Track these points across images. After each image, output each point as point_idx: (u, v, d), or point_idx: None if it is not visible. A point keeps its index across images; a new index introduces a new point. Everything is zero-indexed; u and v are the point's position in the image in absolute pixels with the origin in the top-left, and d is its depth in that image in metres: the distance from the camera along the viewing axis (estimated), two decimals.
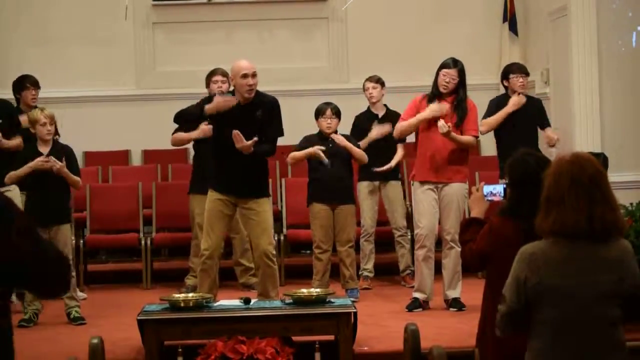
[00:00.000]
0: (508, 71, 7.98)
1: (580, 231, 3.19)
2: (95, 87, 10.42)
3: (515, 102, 7.76)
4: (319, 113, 7.76)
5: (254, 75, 6.59)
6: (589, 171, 3.25)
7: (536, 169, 4.14)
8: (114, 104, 10.49)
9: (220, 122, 6.62)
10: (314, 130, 7.81)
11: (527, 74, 7.96)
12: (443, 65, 7.23)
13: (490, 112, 7.90)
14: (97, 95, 10.42)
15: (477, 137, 7.38)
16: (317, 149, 7.55)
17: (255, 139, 6.46)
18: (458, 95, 7.20)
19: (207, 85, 8.10)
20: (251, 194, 6.66)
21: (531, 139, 7.67)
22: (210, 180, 6.85)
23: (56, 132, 7.14)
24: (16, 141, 7.32)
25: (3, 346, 2.76)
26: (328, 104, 7.79)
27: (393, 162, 8.16)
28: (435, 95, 7.21)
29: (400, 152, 8.21)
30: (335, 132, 7.74)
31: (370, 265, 8.26)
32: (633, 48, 8.97)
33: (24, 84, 8.04)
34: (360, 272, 8.20)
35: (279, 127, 6.73)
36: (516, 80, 7.85)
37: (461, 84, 7.20)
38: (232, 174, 6.63)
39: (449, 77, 7.17)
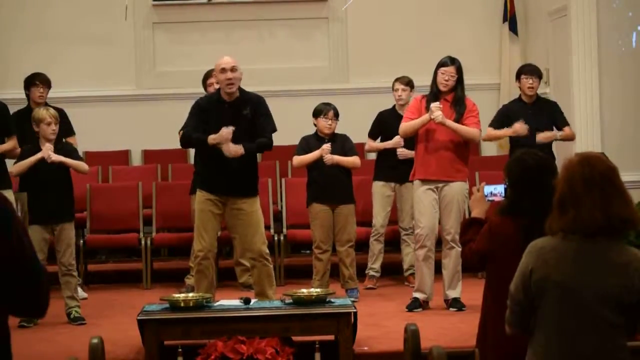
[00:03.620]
0: (520, 72, 8.03)
1: (598, 228, 3.19)
2: (95, 87, 10.42)
3: (517, 130, 7.78)
4: (319, 113, 7.76)
5: (232, 69, 6.59)
6: (600, 168, 3.26)
7: (535, 168, 4.15)
8: (114, 104, 10.48)
9: (208, 122, 6.62)
10: (314, 130, 7.81)
11: (539, 77, 7.96)
12: (441, 64, 7.23)
13: (496, 119, 7.97)
14: (97, 95, 10.42)
15: (479, 130, 7.28)
16: (326, 150, 7.57)
17: (231, 128, 6.46)
18: (456, 92, 7.20)
19: (204, 87, 8.11)
20: (240, 193, 6.64)
21: (545, 143, 7.68)
22: (199, 181, 6.85)
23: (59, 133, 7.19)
24: (10, 144, 7.32)
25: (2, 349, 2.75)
26: (328, 104, 7.80)
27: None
28: (435, 94, 7.21)
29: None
30: (333, 132, 7.75)
31: (377, 265, 8.24)
32: (633, 48, 8.97)
33: (33, 81, 8.07)
34: (366, 271, 8.20)
35: (271, 121, 6.70)
36: (525, 82, 7.92)
37: (459, 81, 7.21)
38: (220, 174, 6.61)
39: (447, 75, 7.18)
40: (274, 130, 6.74)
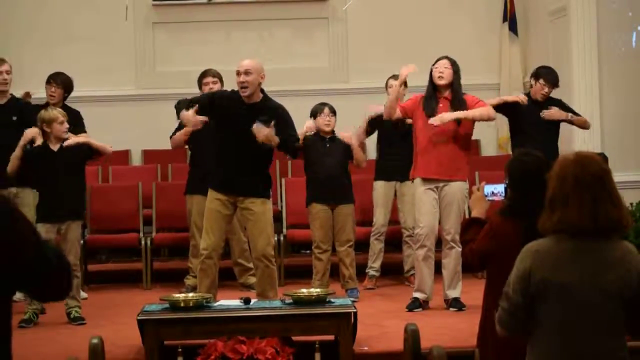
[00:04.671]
0: (539, 74, 7.95)
1: (585, 229, 3.19)
2: (95, 87, 10.42)
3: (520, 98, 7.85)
4: (316, 113, 7.79)
5: (246, 72, 6.57)
6: (592, 169, 3.26)
7: (535, 169, 4.16)
8: (114, 104, 10.49)
9: (224, 122, 6.61)
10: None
11: (554, 85, 7.86)
12: (435, 62, 7.26)
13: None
14: (97, 95, 10.42)
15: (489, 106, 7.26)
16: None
17: (273, 124, 6.42)
18: (454, 90, 7.19)
19: (200, 87, 8.13)
20: (250, 192, 6.63)
21: (550, 143, 7.64)
22: (209, 180, 6.84)
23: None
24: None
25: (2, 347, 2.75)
26: (324, 104, 7.83)
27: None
28: (432, 94, 7.21)
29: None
30: (333, 132, 7.76)
31: (377, 264, 8.24)
32: (633, 48, 8.97)
33: (49, 79, 8.10)
34: (367, 271, 8.20)
35: (294, 129, 6.71)
36: (542, 88, 7.85)
37: (455, 76, 7.19)
38: (231, 172, 6.61)
39: (441, 67, 7.19)
40: (297, 139, 6.76)
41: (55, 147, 7.02)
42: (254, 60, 6.67)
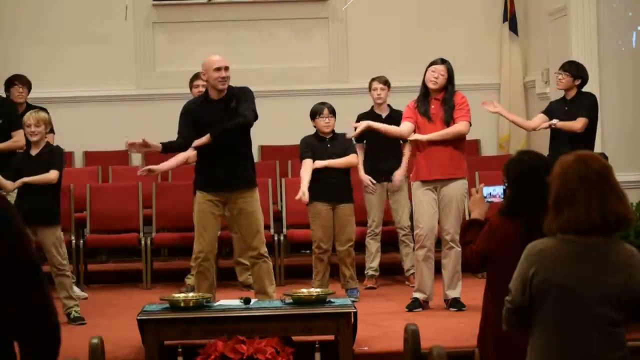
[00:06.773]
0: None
1: (595, 226, 3.19)
2: (95, 87, 10.42)
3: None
4: (315, 113, 7.77)
5: (226, 68, 6.62)
6: (595, 167, 3.26)
7: (534, 168, 4.15)
8: (114, 104, 10.48)
9: (199, 122, 6.64)
10: (313, 130, 7.81)
11: (571, 73, 7.66)
12: (431, 64, 7.27)
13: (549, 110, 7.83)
14: (97, 95, 10.42)
15: (468, 122, 7.19)
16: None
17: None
18: (446, 92, 7.20)
19: (190, 88, 8.17)
20: (238, 183, 6.64)
21: (586, 138, 7.53)
22: (197, 182, 6.84)
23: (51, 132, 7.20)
24: (15, 140, 7.39)
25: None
26: (323, 103, 7.81)
27: (403, 165, 8.11)
28: (424, 94, 7.22)
29: (407, 152, 8.13)
30: (333, 131, 7.75)
31: (375, 264, 8.24)
32: (633, 48, 8.97)
33: (13, 81, 8.26)
34: (365, 271, 8.20)
35: (249, 105, 6.60)
36: (555, 76, 7.84)
37: (449, 81, 7.20)
38: (217, 168, 6.61)
39: (437, 73, 7.19)
40: (252, 112, 6.59)
41: (34, 152, 7.00)
42: (223, 56, 6.74)
